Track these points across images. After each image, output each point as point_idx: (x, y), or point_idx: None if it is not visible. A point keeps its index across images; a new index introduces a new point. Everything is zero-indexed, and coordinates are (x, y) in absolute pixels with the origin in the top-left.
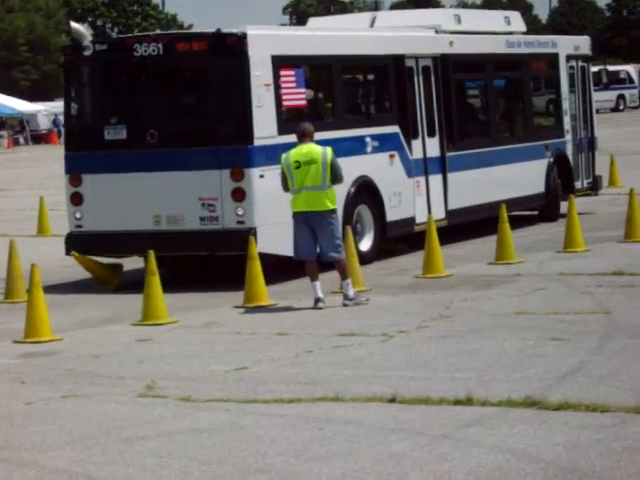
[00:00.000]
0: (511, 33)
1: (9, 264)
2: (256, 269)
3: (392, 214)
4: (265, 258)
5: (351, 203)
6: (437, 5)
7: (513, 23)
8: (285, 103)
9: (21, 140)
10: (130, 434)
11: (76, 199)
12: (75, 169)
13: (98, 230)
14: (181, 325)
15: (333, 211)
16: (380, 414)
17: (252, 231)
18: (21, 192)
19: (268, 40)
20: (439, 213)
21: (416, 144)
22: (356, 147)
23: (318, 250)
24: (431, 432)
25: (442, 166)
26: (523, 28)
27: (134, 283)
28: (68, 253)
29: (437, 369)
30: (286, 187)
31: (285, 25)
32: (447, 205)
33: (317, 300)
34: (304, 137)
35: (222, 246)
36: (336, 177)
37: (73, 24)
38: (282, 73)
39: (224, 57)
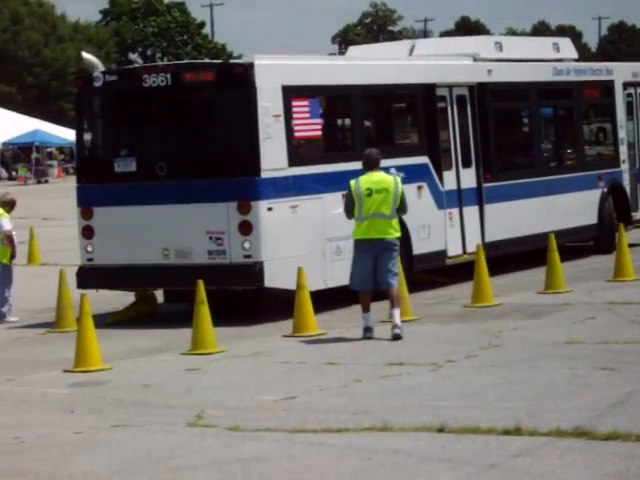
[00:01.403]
0: (561, 60)
1: (59, 293)
2: (304, 298)
3: (420, 247)
4: (273, 293)
5: None
6: (486, 33)
7: (563, 50)
8: (297, 134)
9: (71, 169)
10: (179, 463)
11: (87, 232)
12: (86, 202)
13: (109, 264)
14: (230, 354)
15: (398, 240)
16: (429, 444)
17: (258, 265)
18: (70, 222)
19: (278, 70)
20: (475, 245)
21: (449, 175)
22: None
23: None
24: (479, 462)
25: (479, 197)
26: (574, 55)
27: (180, 314)
28: (80, 287)
29: (486, 399)
30: (351, 213)
31: (334, 54)
32: (484, 237)
33: (367, 330)
34: (373, 165)
35: (229, 280)
36: (403, 208)
37: (85, 54)
38: (294, 103)
39: (231, 88)
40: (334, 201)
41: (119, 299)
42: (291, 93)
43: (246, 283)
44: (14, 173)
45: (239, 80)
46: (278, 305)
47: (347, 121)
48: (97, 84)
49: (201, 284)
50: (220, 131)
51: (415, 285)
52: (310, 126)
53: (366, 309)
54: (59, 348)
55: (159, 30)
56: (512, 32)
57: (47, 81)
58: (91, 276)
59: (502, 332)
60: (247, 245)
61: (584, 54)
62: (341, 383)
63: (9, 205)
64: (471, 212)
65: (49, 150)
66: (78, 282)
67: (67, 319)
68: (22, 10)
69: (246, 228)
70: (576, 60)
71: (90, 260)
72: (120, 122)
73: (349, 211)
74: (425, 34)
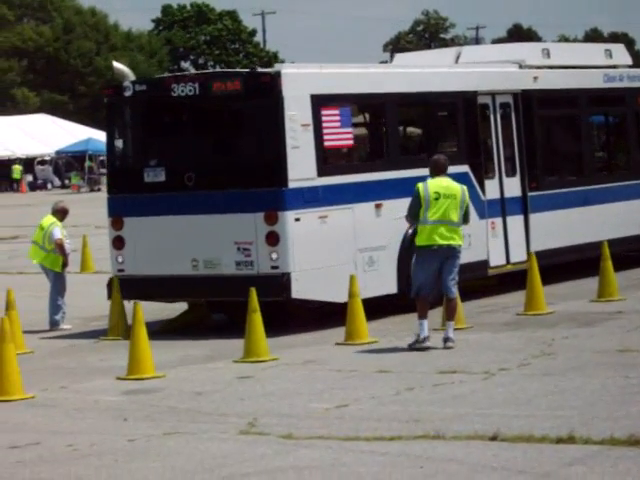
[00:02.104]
0: (614, 67)
1: (112, 301)
2: (357, 306)
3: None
4: (301, 304)
5: (410, 246)
6: (538, 41)
7: (616, 56)
8: (327, 143)
9: None
10: (232, 471)
11: (118, 243)
12: (117, 212)
13: (139, 274)
14: (282, 362)
15: (461, 247)
16: (481, 452)
17: (286, 277)
18: None
19: (306, 79)
20: (520, 255)
21: (491, 184)
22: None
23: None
24: (533, 470)
25: (524, 206)
26: (628, 61)
27: (232, 322)
28: (110, 297)
29: (539, 407)
30: (415, 217)
31: (385, 62)
32: (529, 247)
33: (424, 339)
34: (440, 170)
35: (257, 292)
36: (467, 218)
37: (115, 63)
38: (324, 112)
39: (258, 97)
40: (367, 211)
41: (170, 307)
42: (321, 102)
43: (273, 295)
44: (67, 181)
45: (266, 89)
46: (308, 316)
47: (380, 130)
48: (127, 94)
49: (253, 292)
50: (247, 141)
51: (466, 292)
52: (341, 135)
53: (423, 316)
54: (112, 356)
55: (211, 38)
56: (564, 39)
57: (100, 90)
58: (122, 287)
59: (555, 340)
60: (274, 256)
61: (638, 61)
62: (393, 391)
63: (61, 213)
64: (515, 221)
65: (102, 159)
66: (108, 293)
67: (120, 327)
68: (75, 19)
69: (273, 239)
70: (630, 66)
71: (121, 271)
72: (149, 132)
73: (414, 215)
74: (477, 42)
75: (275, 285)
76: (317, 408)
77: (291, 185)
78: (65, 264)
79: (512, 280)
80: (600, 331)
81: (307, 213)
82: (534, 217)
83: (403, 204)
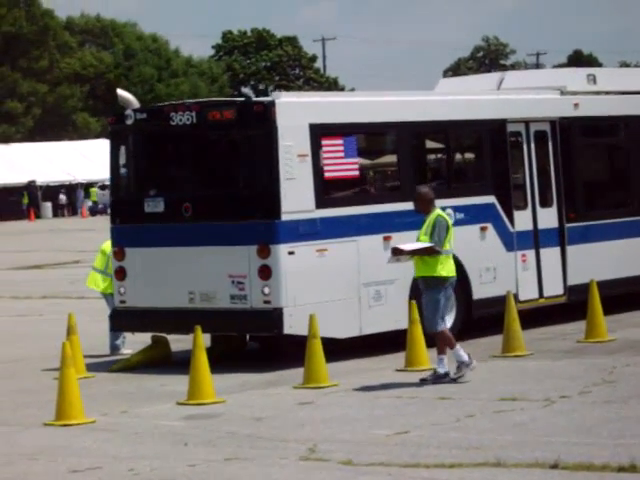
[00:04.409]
0: None
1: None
2: (417, 333)
3: (483, 291)
4: (293, 340)
5: None
6: (599, 66)
7: None
8: (328, 174)
9: None
10: None
11: (120, 274)
12: (119, 243)
13: (139, 306)
14: (342, 388)
15: None
16: None
17: (278, 312)
18: None
19: (304, 108)
20: (556, 289)
21: (522, 215)
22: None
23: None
24: None
25: (560, 238)
26: None
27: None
28: (112, 329)
29: (600, 435)
30: (443, 246)
31: None
32: (566, 281)
33: (446, 374)
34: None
35: (249, 327)
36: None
37: (119, 91)
38: (325, 142)
39: (252, 126)
40: (374, 244)
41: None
42: (321, 131)
43: (265, 330)
44: None
45: (259, 119)
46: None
47: (386, 160)
48: (128, 122)
49: (314, 318)
50: (242, 171)
51: (526, 319)
52: (345, 166)
53: (452, 346)
54: (172, 381)
55: (271, 64)
56: (625, 65)
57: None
58: (124, 319)
59: (616, 368)
60: (267, 290)
61: None
62: (453, 418)
63: None
64: (551, 254)
65: None
66: (110, 324)
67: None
68: (135, 45)
69: (266, 273)
70: None
71: (123, 302)
72: (149, 161)
73: (444, 243)
74: (537, 68)
75: (267, 320)
76: (377, 434)
77: (284, 217)
78: None
79: (571, 309)
80: None
81: (303, 246)
82: (572, 249)
83: (414, 237)
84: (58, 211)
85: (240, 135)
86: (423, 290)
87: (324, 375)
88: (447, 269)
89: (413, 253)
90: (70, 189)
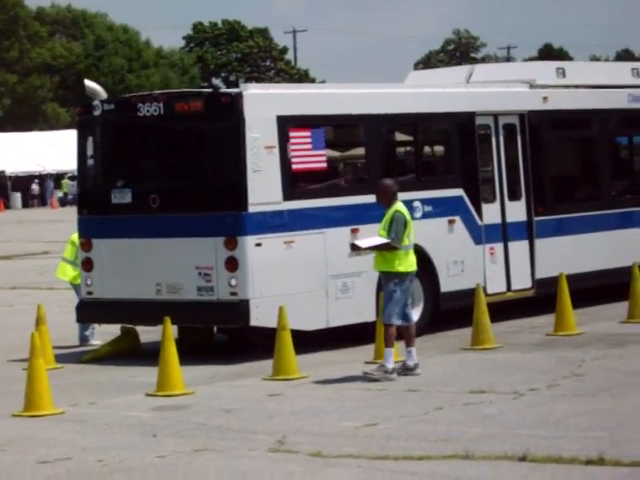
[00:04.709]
0: None
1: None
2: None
3: (450, 284)
4: (261, 332)
5: None
6: (569, 59)
7: None
8: (296, 166)
9: None
10: None
11: (87, 265)
12: (86, 233)
13: (106, 298)
14: (311, 380)
15: None
16: (511, 473)
17: (244, 303)
18: None
19: (272, 100)
20: (524, 282)
21: (490, 208)
22: None
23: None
24: None
25: (529, 232)
26: None
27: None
28: (79, 321)
29: (568, 428)
30: (401, 241)
31: None
32: (534, 274)
33: (409, 368)
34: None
35: (216, 318)
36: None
37: (87, 82)
38: (292, 134)
39: (219, 118)
40: (340, 236)
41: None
42: (289, 123)
43: (232, 321)
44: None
45: (226, 110)
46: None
47: (354, 152)
48: (96, 113)
49: (284, 310)
50: (209, 163)
51: (495, 312)
52: (312, 158)
53: (411, 343)
54: (141, 372)
55: (242, 56)
56: (595, 59)
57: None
58: (91, 310)
59: (585, 361)
60: (233, 282)
61: None
62: (422, 410)
63: None
64: (519, 247)
65: None
66: (77, 316)
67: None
68: (106, 36)
69: (232, 264)
70: None
71: (89, 293)
72: (116, 152)
73: (401, 239)
74: (508, 61)
75: (234, 312)
76: (346, 426)
77: (251, 209)
78: None
79: (539, 302)
80: (630, 352)
81: (270, 238)
82: (540, 242)
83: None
84: (28, 201)
85: (207, 126)
86: (382, 283)
87: (293, 367)
88: (405, 264)
89: (370, 249)
90: (40, 179)
